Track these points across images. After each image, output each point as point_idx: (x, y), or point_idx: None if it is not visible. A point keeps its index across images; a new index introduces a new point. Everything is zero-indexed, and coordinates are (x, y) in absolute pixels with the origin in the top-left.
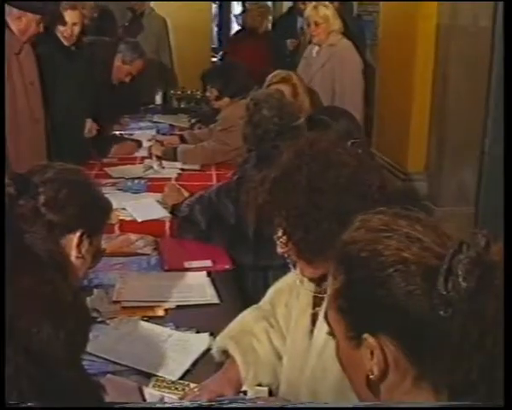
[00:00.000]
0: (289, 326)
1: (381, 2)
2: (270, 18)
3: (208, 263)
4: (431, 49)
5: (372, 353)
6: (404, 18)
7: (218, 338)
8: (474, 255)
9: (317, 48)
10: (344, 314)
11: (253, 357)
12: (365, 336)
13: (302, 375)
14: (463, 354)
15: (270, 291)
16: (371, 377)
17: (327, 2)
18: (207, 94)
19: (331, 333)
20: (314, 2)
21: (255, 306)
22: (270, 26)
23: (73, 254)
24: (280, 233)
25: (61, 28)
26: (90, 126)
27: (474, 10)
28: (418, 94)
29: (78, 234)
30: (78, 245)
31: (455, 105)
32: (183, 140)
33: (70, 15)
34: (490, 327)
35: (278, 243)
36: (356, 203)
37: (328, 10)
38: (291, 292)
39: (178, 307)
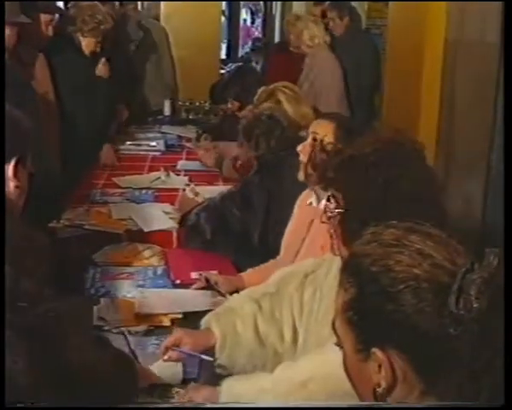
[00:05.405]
0: (303, 310)
1: (390, 16)
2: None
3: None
4: (438, 64)
5: (380, 366)
6: (411, 32)
7: (205, 317)
8: (487, 276)
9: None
10: (353, 327)
11: (232, 333)
12: (374, 350)
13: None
14: (472, 374)
15: (278, 274)
16: (378, 390)
17: (316, 19)
18: (229, 106)
19: (338, 344)
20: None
21: (253, 288)
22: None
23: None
24: (332, 201)
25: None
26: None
27: (482, 25)
28: (425, 108)
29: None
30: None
31: (462, 119)
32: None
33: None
34: (501, 348)
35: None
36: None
37: (315, 28)
38: (306, 277)
39: (184, 317)
